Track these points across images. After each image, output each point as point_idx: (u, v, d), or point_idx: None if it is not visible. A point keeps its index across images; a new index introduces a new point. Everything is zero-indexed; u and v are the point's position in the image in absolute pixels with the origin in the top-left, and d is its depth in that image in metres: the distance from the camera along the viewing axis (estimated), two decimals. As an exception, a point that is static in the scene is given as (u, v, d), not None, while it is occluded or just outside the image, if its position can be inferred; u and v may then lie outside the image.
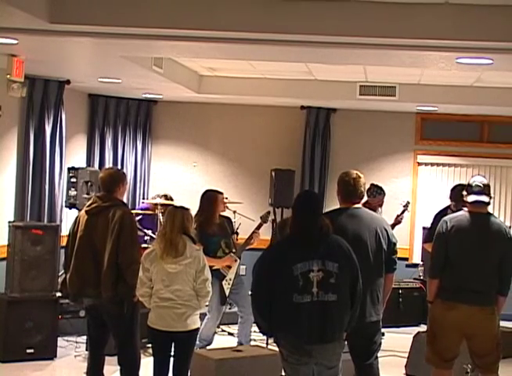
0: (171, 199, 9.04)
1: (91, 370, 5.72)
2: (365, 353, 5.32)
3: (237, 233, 7.72)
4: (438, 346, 5.51)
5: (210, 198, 7.21)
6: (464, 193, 5.59)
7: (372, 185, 7.87)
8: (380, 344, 5.40)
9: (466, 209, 5.57)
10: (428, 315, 5.67)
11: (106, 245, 5.43)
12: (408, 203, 8.25)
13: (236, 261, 7.15)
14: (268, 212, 7.79)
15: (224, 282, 7.11)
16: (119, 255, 5.40)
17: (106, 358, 5.80)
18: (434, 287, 5.53)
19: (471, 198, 5.49)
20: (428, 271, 5.68)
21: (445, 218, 5.63)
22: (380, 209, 7.74)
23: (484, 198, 5.50)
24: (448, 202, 7.90)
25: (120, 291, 5.43)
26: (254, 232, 7.44)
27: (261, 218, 7.62)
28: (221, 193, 7.34)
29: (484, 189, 5.51)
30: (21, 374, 6.90)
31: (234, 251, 7.20)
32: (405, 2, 5.24)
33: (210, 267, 7.21)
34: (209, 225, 7.08)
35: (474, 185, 5.51)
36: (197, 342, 7.03)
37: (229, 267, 7.15)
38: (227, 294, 7.12)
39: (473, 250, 5.42)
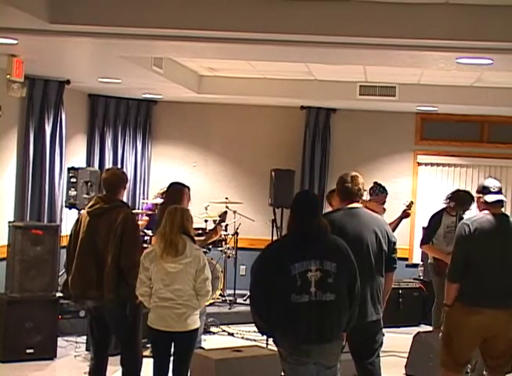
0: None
1: (95, 370, 5.69)
2: (366, 352, 5.31)
3: (237, 234, 7.65)
4: (454, 350, 5.41)
5: (176, 192, 6.72)
6: (479, 195, 5.52)
7: (375, 183, 7.85)
8: (382, 342, 5.39)
9: (486, 211, 5.43)
10: (445, 319, 5.53)
11: (108, 247, 5.40)
12: (411, 203, 8.22)
13: None
14: (225, 212, 7.85)
15: None
16: (121, 257, 5.37)
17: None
18: (453, 292, 5.38)
19: (491, 198, 5.41)
20: (448, 275, 5.48)
21: (466, 221, 5.50)
22: (383, 211, 7.65)
23: (503, 197, 5.47)
24: (441, 205, 7.93)
25: (123, 293, 5.41)
26: (212, 229, 7.46)
27: (219, 216, 7.68)
28: (188, 188, 6.86)
29: (501, 190, 5.49)
30: (21, 374, 6.89)
31: None
32: (405, 2, 5.24)
33: None
34: None
35: (490, 186, 5.45)
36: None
37: None
38: None
39: (497, 252, 5.34)
